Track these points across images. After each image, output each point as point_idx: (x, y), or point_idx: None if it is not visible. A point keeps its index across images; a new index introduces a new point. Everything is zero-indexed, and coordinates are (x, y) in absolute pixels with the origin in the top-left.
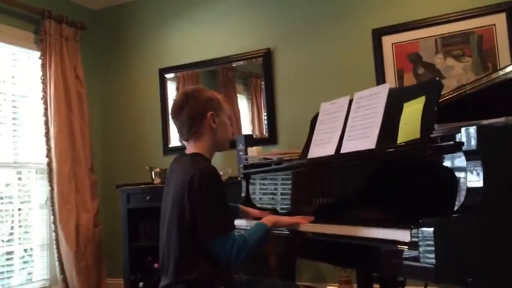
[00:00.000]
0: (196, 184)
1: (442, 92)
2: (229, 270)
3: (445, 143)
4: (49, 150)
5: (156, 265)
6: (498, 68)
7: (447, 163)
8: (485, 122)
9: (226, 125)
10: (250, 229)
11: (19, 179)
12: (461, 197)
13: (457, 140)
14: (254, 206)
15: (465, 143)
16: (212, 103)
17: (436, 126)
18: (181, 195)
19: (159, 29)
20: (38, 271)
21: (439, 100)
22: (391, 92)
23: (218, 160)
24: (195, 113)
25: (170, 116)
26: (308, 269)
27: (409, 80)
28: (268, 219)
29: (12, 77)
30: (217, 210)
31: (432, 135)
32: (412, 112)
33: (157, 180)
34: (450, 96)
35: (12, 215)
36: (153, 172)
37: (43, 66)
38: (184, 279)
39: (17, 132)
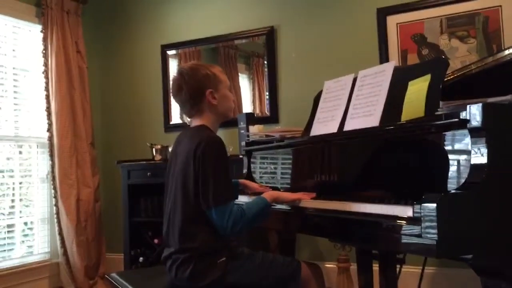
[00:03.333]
0: (200, 151)
1: (447, 73)
2: (232, 241)
3: (450, 121)
4: (50, 124)
5: (156, 241)
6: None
7: (451, 141)
8: (490, 99)
9: (227, 96)
10: (250, 202)
11: (20, 153)
12: (464, 174)
13: (462, 117)
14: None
15: (470, 120)
16: (208, 80)
17: (441, 103)
18: (187, 163)
19: (162, 4)
20: (39, 244)
21: (444, 79)
22: (396, 70)
23: None
24: (194, 92)
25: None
26: (307, 247)
27: (413, 60)
28: (270, 194)
29: (13, 50)
30: (218, 179)
31: (437, 113)
32: (417, 90)
33: (157, 157)
34: (455, 75)
35: (13, 189)
36: (154, 149)
37: (45, 39)
38: (188, 247)
39: (18, 106)
